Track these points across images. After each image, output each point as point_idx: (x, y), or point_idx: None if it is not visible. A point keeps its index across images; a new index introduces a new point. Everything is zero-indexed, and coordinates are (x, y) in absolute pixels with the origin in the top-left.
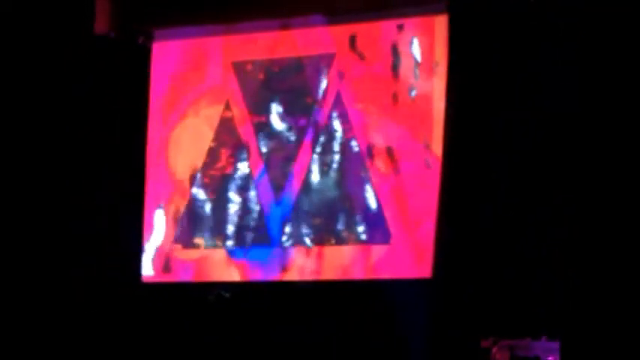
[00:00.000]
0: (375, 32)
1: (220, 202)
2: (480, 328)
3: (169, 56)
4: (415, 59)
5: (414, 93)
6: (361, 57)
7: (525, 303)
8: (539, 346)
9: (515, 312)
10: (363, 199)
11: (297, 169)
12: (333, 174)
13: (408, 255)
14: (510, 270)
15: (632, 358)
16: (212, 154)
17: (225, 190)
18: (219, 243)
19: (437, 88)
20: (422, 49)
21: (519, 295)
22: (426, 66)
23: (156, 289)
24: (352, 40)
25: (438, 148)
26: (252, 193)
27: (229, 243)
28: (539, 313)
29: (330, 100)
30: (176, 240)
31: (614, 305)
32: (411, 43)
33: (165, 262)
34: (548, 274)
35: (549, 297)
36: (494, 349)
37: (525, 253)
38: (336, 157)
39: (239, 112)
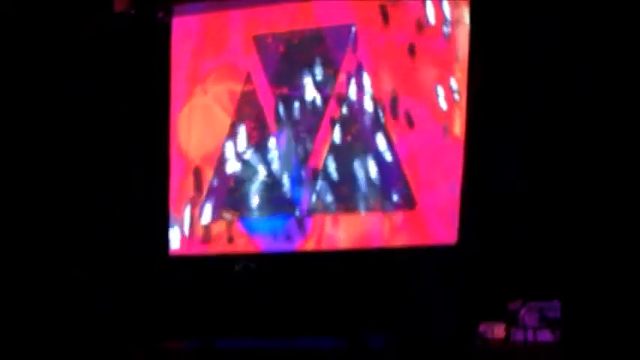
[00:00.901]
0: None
1: (244, 174)
2: (507, 292)
3: (189, 32)
4: (435, 23)
5: (434, 60)
6: (381, 27)
7: (553, 265)
8: None
9: (543, 275)
10: (387, 166)
11: (319, 139)
12: (355, 143)
13: (432, 221)
14: (535, 233)
15: None
16: (235, 128)
17: (249, 163)
18: (244, 214)
19: (459, 54)
20: (442, 14)
21: (545, 258)
22: (446, 31)
23: (182, 262)
24: (372, 10)
25: (461, 114)
26: (276, 165)
27: (255, 214)
28: (567, 275)
29: (351, 70)
30: (202, 213)
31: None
32: (431, 8)
33: (191, 235)
34: (573, 237)
35: (575, 259)
36: (522, 311)
37: (551, 216)
38: (359, 126)
39: (260, 85)
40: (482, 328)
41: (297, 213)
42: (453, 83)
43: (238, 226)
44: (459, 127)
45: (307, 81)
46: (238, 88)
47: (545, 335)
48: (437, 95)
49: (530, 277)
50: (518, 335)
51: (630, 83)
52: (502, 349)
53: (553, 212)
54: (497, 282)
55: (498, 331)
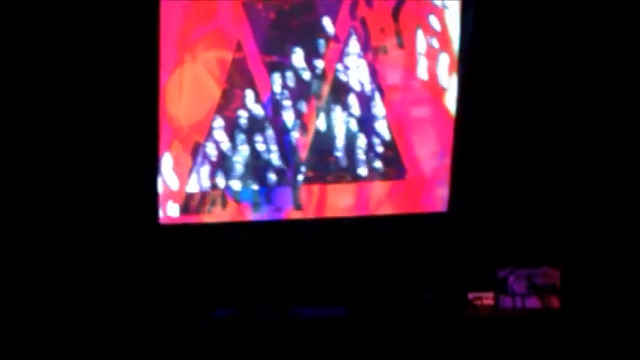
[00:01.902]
0: None
1: (235, 144)
2: (496, 259)
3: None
4: None
5: (427, 29)
6: None
7: (542, 233)
8: (555, 274)
9: (531, 242)
10: (378, 135)
11: (310, 107)
12: (346, 112)
13: (423, 189)
14: (525, 201)
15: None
16: (225, 96)
17: (240, 132)
18: (235, 184)
19: (450, 24)
20: None
21: (535, 226)
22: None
23: (172, 231)
24: None
25: (452, 82)
26: (267, 134)
27: (246, 184)
28: (556, 242)
29: (343, 37)
30: (192, 182)
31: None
32: None
33: (180, 204)
34: (563, 205)
35: (564, 226)
36: (511, 279)
37: (540, 184)
38: (350, 95)
39: (250, 53)
40: (471, 295)
41: (287, 182)
42: (444, 53)
43: (228, 195)
44: (450, 96)
45: (298, 48)
46: (228, 55)
47: (533, 302)
48: (428, 63)
49: (519, 245)
50: (507, 302)
51: (623, 61)
52: (490, 316)
53: (543, 180)
54: (487, 250)
55: (487, 298)
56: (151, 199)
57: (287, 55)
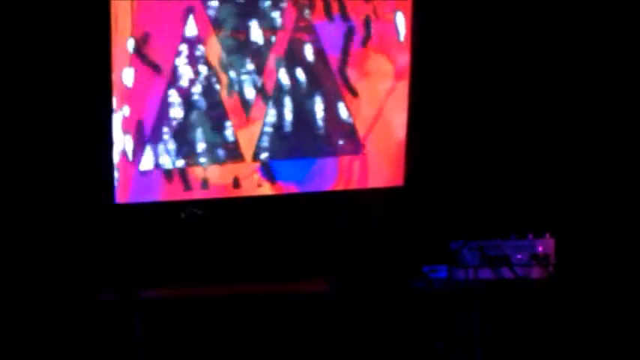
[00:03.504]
0: None
1: (189, 119)
2: (451, 232)
3: None
4: None
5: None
6: None
7: (495, 205)
8: (508, 245)
9: (485, 214)
10: (334, 111)
11: (265, 82)
12: (302, 87)
13: (380, 165)
14: (479, 175)
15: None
16: (178, 71)
17: (194, 107)
18: (190, 160)
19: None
20: None
21: (489, 198)
22: None
23: (127, 210)
24: None
25: (406, 58)
26: (222, 110)
27: (201, 160)
28: (509, 214)
29: (296, 12)
30: (145, 159)
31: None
32: None
33: (136, 182)
34: (515, 177)
35: (519, 198)
36: (464, 250)
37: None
38: (306, 71)
39: (203, 27)
40: (426, 268)
41: (244, 158)
42: (401, 22)
43: (181, 173)
44: (405, 69)
45: (253, 22)
46: (180, 30)
47: (486, 273)
48: (386, 36)
49: (474, 217)
50: (460, 274)
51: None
52: (444, 288)
53: (499, 153)
54: (442, 223)
55: (441, 271)
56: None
57: (241, 28)
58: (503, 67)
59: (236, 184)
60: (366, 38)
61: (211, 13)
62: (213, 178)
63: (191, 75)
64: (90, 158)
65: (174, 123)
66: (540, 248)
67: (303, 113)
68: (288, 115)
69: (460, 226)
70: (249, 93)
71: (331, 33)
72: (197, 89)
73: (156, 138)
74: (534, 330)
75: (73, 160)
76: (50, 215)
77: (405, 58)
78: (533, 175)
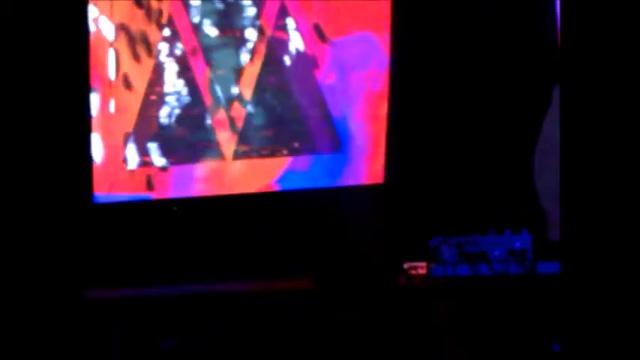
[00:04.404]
0: None
1: (168, 119)
2: (430, 229)
3: None
4: None
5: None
6: None
7: (474, 202)
8: (486, 241)
9: (464, 211)
10: (313, 108)
11: (245, 81)
12: (281, 85)
13: (359, 162)
14: (458, 171)
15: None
16: (157, 71)
17: (174, 107)
18: (170, 160)
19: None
20: None
21: (468, 195)
22: None
23: (107, 209)
24: None
25: (385, 55)
26: (201, 108)
27: (181, 159)
28: (488, 211)
29: (275, 9)
30: (125, 158)
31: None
32: None
33: (114, 181)
34: (494, 174)
35: (496, 194)
36: (442, 247)
37: (471, 154)
38: (284, 68)
39: (183, 25)
40: (406, 265)
41: (223, 156)
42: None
43: (162, 172)
44: (383, 65)
45: (231, 21)
46: (156, 33)
47: (464, 269)
48: (362, 31)
49: (453, 214)
50: (438, 271)
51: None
52: (423, 284)
53: (477, 149)
54: (422, 220)
55: (420, 268)
56: (84, 177)
57: (220, 26)
58: (484, 63)
59: (216, 182)
60: None
61: (191, 11)
62: (194, 176)
63: (171, 73)
64: (70, 155)
65: (154, 121)
66: (518, 244)
67: (283, 111)
68: (268, 114)
69: (439, 223)
70: (230, 91)
71: (310, 30)
72: (177, 88)
73: (136, 136)
74: (512, 325)
75: (53, 158)
76: (30, 213)
77: (384, 55)
78: (511, 171)
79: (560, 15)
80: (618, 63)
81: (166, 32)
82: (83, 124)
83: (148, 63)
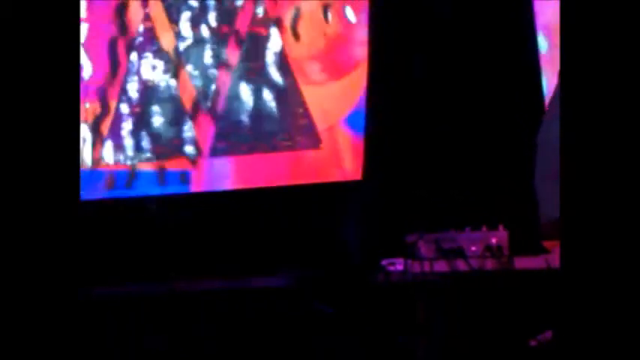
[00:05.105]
0: None
1: (144, 116)
2: (408, 225)
3: None
4: None
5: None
6: None
7: (450, 199)
8: (462, 237)
9: (441, 208)
10: (291, 105)
11: (221, 77)
12: (259, 81)
13: (338, 159)
14: (437, 169)
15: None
16: (132, 67)
17: (149, 103)
18: (145, 156)
19: None
20: None
21: (445, 192)
22: None
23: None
24: None
25: (363, 51)
26: (177, 104)
27: (157, 155)
28: (464, 207)
29: (253, 3)
30: (102, 156)
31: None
32: None
33: (90, 179)
34: (470, 169)
35: (475, 191)
36: (419, 243)
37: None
38: (262, 65)
39: (159, 21)
40: (384, 262)
41: (200, 154)
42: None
43: (138, 169)
44: (363, 62)
45: (208, 17)
46: (137, 25)
47: (442, 265)
48: (341, 31)
49: (429, 211)
50: (415, 267)
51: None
52: (401, 281)
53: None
54: (400, 217)
55: (399, 264)
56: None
57: (196, 24)
58: (462, 61)
59: (193, 179)
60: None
61: (167, 6)
62: (172, 173)
63: (147, 69)
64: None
65: (130, 118)
66: (494, 240)
67: (260, 108)
68: (246, 110)
69: (417, 219)
70: (207, 88)
71: (289, 24)
72: (153, 84)
73: (111, 134)
74: (490, 321)
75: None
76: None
77: (362, 51)
78: (487, 167)
79: (560, 15)
80: (618, 63)
81: (142, 28)
82: (72, 117)
83: (123, 58)
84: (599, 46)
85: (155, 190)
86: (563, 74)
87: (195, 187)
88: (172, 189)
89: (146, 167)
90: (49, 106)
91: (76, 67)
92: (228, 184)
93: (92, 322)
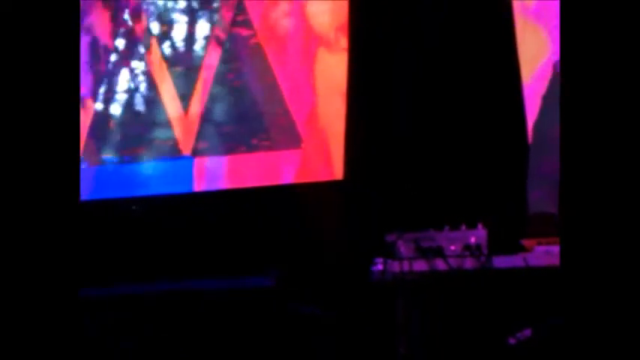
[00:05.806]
0: None
1: (126, 116)
2: (387, 225)
3: None
4: None
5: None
6: None
7: (430, 198)
8: (442, 237)
9: (420, 207)
10: (272, 104)
11: (203, 77)
12: (240, 81)
13: (319, 158)
14: (417, 169)
15: None
16: (115, 67)
17: (131, 104)
18: (127, 157)
19: None
20: None
21: (425, 191)
22: None
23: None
24: None
25: (344, 44)
26: (159, 105)
27: (138, 156)
28: (443, 206)
29: (233, 4)
30: (84, 157)
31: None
32: None
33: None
34: (449, 168)
35: (453, 190)
36: (399, 242)
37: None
38: (243, 64)
39: (139, 22)
40: (363, 261)
41: (182, 155)
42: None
43: (122, 170)
44: (343, 61)
45: (189, 17)
46: (117, 26)
47: (421, 265)
48: (323, 29)
49: (409, 211)
50: (394, 266)
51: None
52: (381, 280)
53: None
54: (379, 216)
55: (379, 263)
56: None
57: (177, 24)
58: (443, 60)
59: (176, 179)
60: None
61: (149, 7)
62: (152, 174)
63: (128, 70)
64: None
65: (112, 119)
66: (473, 239)
67: (241, 108)
68: (227, 110)
69: (397, 219)
70: (187, 87)
71: (270, 25)
72: (134, 84)
73: (93, 133)
74: (469, 320)
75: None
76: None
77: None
78: (466, 165)
79: (560, 14)
80: (618, 63)
81: (123, 29)
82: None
83: (106, 59)
84: (599, 45)
85: (138, 191)
86: (563, 74)
87: (177, 188)
88: (154, 190)
89: (126, 168)
90: (49, 106)
91: (76, 67)
92: (211, 184)
93: (82, 322)
